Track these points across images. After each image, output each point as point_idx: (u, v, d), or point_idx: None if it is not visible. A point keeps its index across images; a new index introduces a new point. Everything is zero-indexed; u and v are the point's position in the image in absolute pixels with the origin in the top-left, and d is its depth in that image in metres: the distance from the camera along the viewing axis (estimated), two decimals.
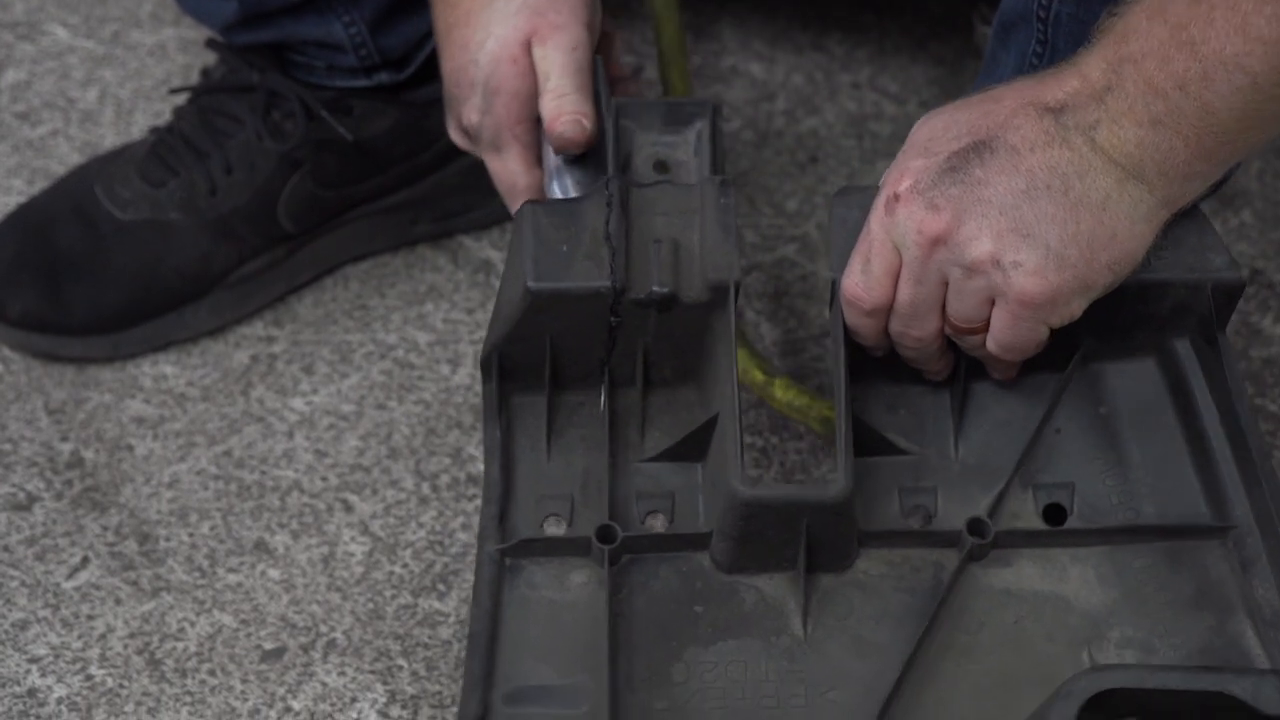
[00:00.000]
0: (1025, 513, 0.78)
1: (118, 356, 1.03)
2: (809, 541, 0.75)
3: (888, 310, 0.76)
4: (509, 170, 0.85)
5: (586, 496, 0.79)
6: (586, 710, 0.73)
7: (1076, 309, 0.73)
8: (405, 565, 0.95)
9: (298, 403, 1.02)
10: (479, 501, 0.97)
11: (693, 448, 0.80)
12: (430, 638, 0.91)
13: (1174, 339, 0.79)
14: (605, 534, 0.77)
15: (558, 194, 0.84)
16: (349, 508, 0.97)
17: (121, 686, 0.90)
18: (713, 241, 0.77)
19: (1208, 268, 0.76)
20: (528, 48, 0.83)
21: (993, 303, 0.73)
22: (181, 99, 1.11)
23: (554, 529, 0.78)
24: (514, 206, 0.85)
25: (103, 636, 0.92)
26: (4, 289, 1.00)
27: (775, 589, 0.77)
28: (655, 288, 0.76)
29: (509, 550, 0.77)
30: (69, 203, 1.03)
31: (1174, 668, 0.70)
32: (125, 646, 0.91)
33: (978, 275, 0.72)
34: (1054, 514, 0.79)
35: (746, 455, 0.86)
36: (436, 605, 0.93)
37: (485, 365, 0.79)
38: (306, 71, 1.03)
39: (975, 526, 0.77)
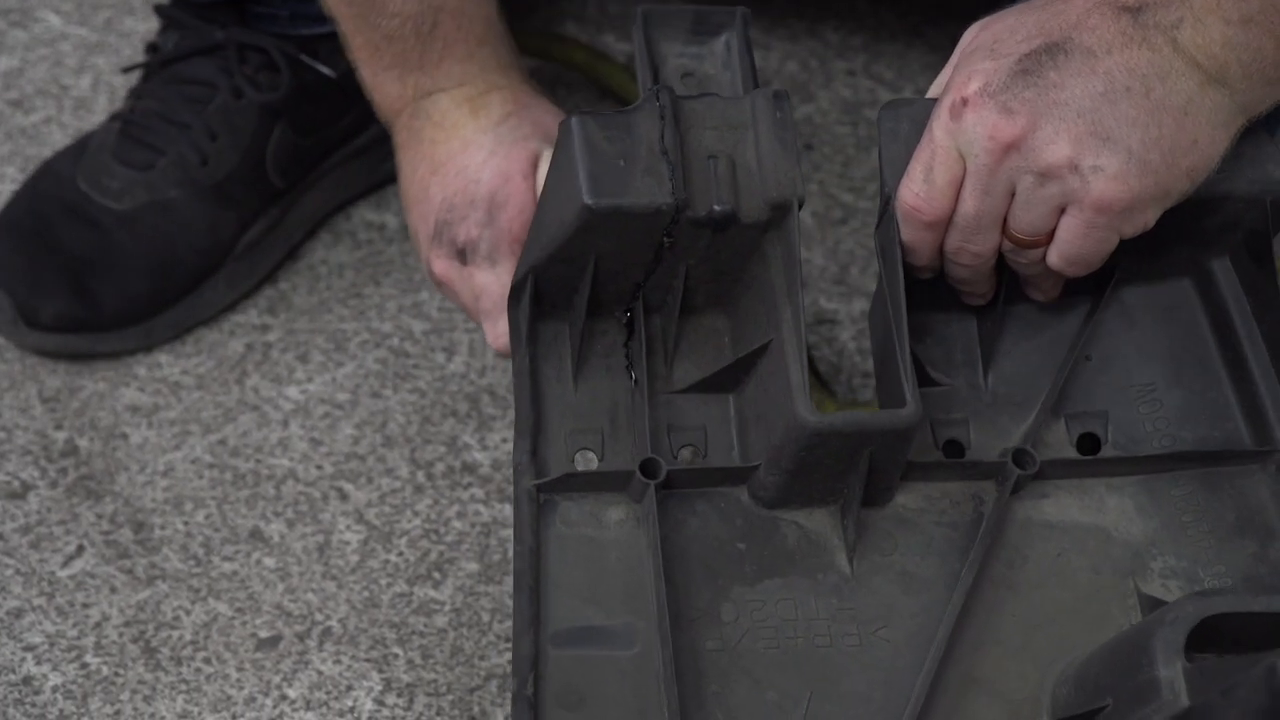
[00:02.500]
0: (1059, 443, 0.77)
1: (152, 345, 1.02)
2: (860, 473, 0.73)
3: (947, 223, 0.72)
4: (502, 284, 0.83)
5: (616, 430, 0.76)
6: (639, 650, 0.72)
7: (1151, 217, 0.71)
8: (400, 554, 0.95)
9: (293, 391, 1.02)
10: (474, 490, 0.97)
11: (725, 378, 0.77)
12: (426, 626, 0.91)
13: (1211, 258, 0.77)
14: (649, 468, 0.74)
15: None
16: (344, 496, 0.97)
17: (117, 674, 0.90)
18: (771, 157, 0.72)
19: (1268, 180, 0.74)
20: (535, 167, 0.83)
21: (1061, 213, 0.71)
22: (134, 81, 1.10)
23: (585, 463, 0.75)
24: (499, 324, 0.83)
25: (98, 625, 0.92)
26: (32, 297, 0.99)
27: (816, 524, 0.74)
28: (716, 206, 0.71)
29: (544, 486, 0.74)
30: (56, 205, 1.02)
31: (1275, 592, 0.69)
32: (120, 635, 0.91)
33: (1052, 182, 0.69)
34: (1088, 444, 0.77)
35: None
36: (432, 594, 0.93)
37: (517, 289, 0.75)
38: (270, 23, 1.03)
39: (1020, 458, 0.75)
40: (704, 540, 0.74)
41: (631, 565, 0.73)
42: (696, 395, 0.77)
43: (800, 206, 0.72)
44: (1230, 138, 0.70)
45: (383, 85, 0.87)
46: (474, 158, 0.84)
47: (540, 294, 0.75)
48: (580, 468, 0.75)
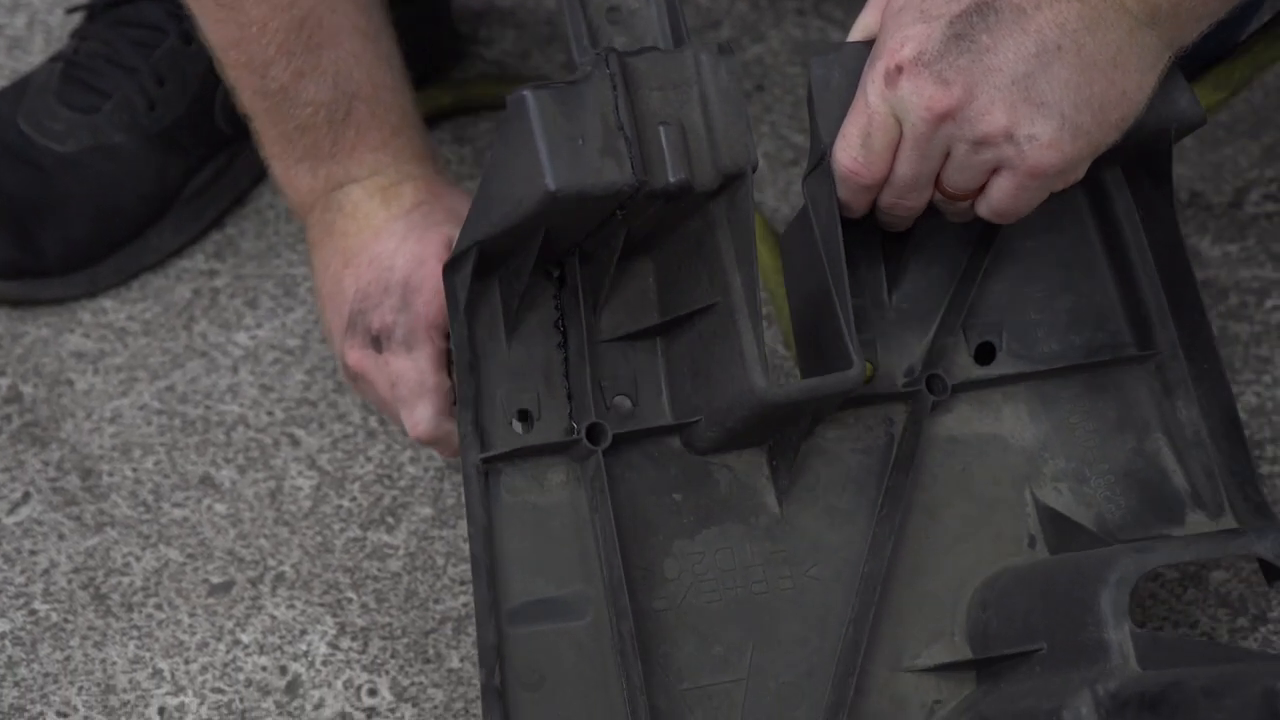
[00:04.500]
0: (958, 354, 0.79)
1: (96, 291, 1.01)
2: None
3: (883, 183, 0.74)
4: (419, 369, 0.81)
5: (552, 386, 0.76)
6: (590, 619, 0.73)
7: (1082, 172, 0.73)
8: (354, 499, 0.94)
9: (241, 337, 1.01)
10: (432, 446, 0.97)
11: (656, 328, 0.77)
12: (379, 570, 0.91)
13: (1103, 168, 0.78)
14: (595, 434, 0.74)
15: None
16: (296, 442, 0.96)
17: (66, 621, 0.89)
18: (722, 121, 0.71)
19: (1174, 112, 0.75)
20: (449, 250, 0.81)
21: (994, 172, 0.72)
22: (73, 22, 1.08)
23: (523, 424, 0.76)
24: (416, 410, 0.82)
25: (46, 572, 0.91)
26: None
27: (745, 466, 0.76)
28: (672, 178, 0.71)
29: (490, 459, 0.74)
30: None
31: (1202, 537, 0.74)
32: (69, 581, 0.90)
33: (987, 149, 0.71)
34: (985, 352, 0.80)
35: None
36: (385, 538, 0.92)
37: (458, 260, 0.74)
38: None
39: (932, 383, 0.77)
40: (643, 495, 0.75)
41: (576, 529, 0.74)
42: (627, 343, 0.77)
43: (754, 170, 0.72)
44: (1158, 78, 0.72)
45: (295, 179, 0.86)
46: (386, 245, 0.83)
47: (480, 262, 0.75)
48: (518, 428, 0.75)
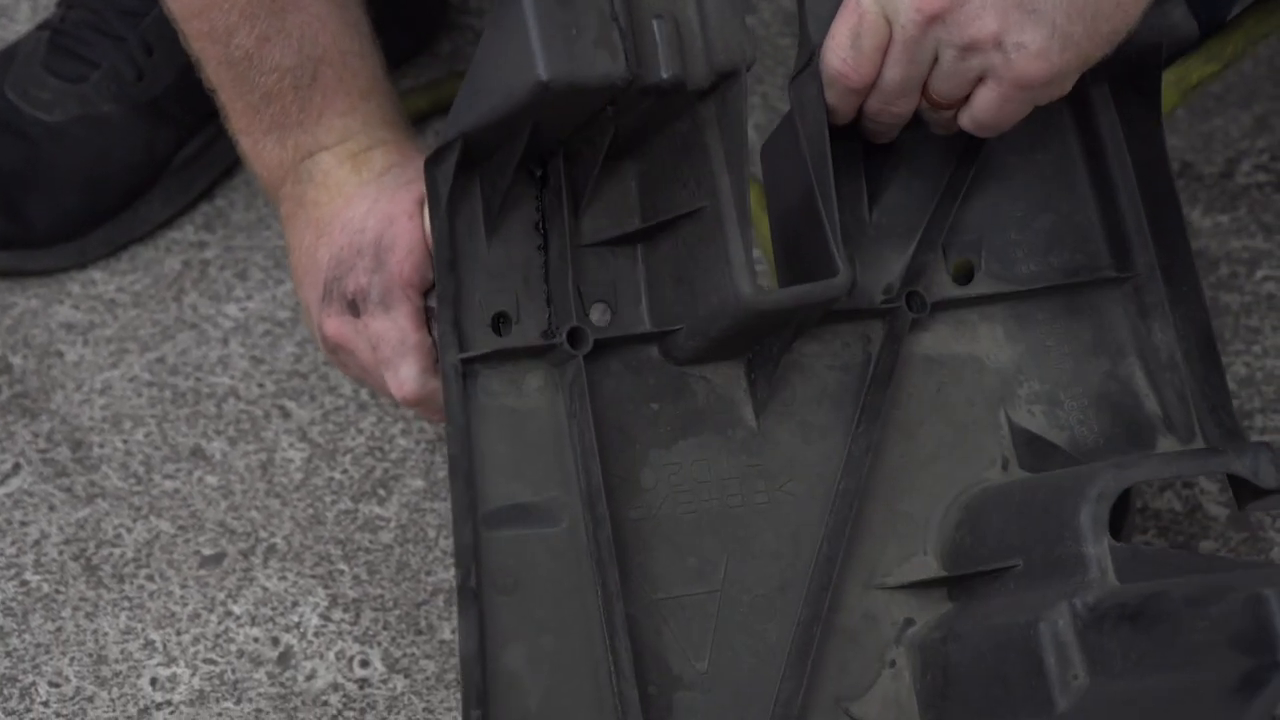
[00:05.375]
0: (937, 273, 0.79)
1: (85, 262, 1.01)
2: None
3: (871, 87, 0.73)
4: (400, 327, 0.79)
5: (530, 288, 0.75)
6: (566, 526, 0.73)
7: (1069, 85, 0.72)
8: (345, 471, 0.94)
9: (232, 309, 1.01)
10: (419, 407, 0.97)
11: (638, 233, 0.76)
12: (371, 542, 0.91)
13: (1089, 84, 0.78)
14: (576, 338, 0.74)
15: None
16: (286, 414, 0.96)
17: (58, 592, 0.89)
18: (717, 17, 0.70)
19: (1167, 26, 0.75)
20: (420, 207, 0.80)
21: (979, 81, 0.72)
22: None
23: (501, 326, 0.75)
24: (401, 369, 0.80)
25: (37, 543, 0.91)
26: None
27: (723, 378, 0.76)
28: (665, 74, 0.69)
29: (469, 360, 0.73)
30: None
31: (1182, 455, 0.74)
32: (60, 552, 0.90)
33: (974, 55, 0.70)
34: (963, 271, 0.80)
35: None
36: (377, 510, 0.92)
37: (443, 151, 0.71)
38: None
39: (912, 300, 0.77)
40: (620, 403, 0.75)
41: (553, 435, 0.74)
42: (605, 248, 0.76)
43: (749, 69, 0.71)
44: None
45: (264, 153, 0.84)
46: (358, 209, 0.82)
47: (462, 156, 0.73)
48: (497, 329, 0.74)
